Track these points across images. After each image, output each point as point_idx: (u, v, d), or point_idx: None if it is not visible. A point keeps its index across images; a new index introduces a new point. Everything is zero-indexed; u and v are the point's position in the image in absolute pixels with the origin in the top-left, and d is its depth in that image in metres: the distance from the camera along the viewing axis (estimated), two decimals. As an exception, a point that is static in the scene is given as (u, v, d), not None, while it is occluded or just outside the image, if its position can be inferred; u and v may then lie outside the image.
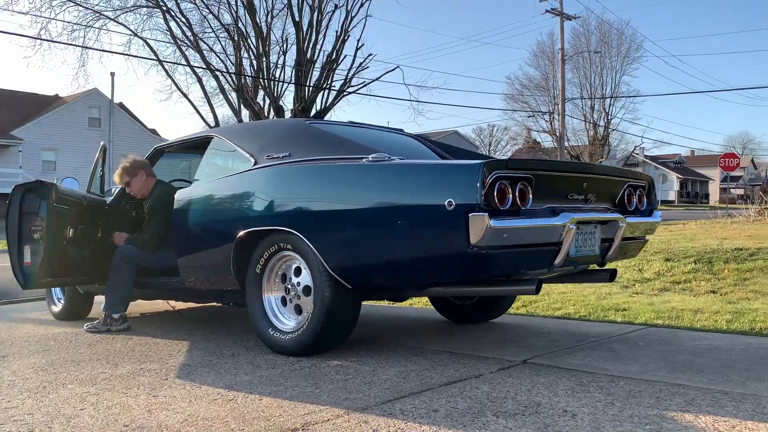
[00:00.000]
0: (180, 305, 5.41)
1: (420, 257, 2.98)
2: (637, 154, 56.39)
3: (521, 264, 3.00)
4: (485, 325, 4.29)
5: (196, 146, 4.70)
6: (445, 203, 2.77)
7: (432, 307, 4.73)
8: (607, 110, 42.69)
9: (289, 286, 3.54)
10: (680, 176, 58.94)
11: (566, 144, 44.24)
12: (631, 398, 2.52)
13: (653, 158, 59.19)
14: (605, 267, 3.64)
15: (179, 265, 4.07)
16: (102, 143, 5.38)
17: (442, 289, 3.21)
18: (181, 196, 4.12)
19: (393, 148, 3.68)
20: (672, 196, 57.57)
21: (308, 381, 2.92)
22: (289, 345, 3.46)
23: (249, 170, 3.78)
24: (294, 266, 3.54)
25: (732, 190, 65.97)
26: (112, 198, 4.84)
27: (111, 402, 2.66)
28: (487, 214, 2.68)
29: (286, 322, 3.56)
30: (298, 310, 3.53)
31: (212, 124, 19.18)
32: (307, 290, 3.46)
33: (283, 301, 3.61)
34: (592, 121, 41.91)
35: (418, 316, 4.91)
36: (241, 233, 3.61)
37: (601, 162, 39.53)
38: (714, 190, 64.18)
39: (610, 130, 42.53)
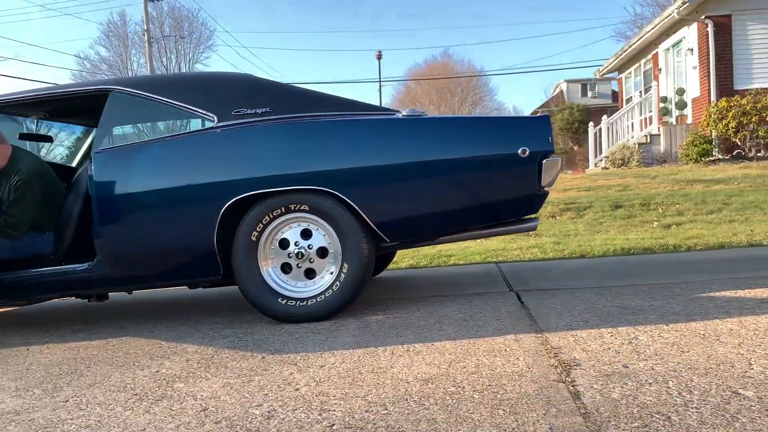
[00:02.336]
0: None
1: (481, 203, 3.25)
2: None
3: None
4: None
5: (60, 102, 3.77)
6: (519, 151, 3.13)
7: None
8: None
9: (298, 251, 3.32)
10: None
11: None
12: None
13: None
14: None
15: (109, 249, 3.33)
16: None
17: (473, 233, 3.48)
18: (105, 164, 3.35)
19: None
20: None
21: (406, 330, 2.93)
22: (311, 311, 3.27)
23: (226, 127, 3.35)
24: (300, 229, 3.33)
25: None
26: None
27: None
28: (559, 159, 3.14)
29: (299, 288, 3.34)
30: (309, 274, 3.35)
31: None
32: (322, 252, 3.32)
33: (285, 268, 3.36)
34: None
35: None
36: (236, 198, 3.22)
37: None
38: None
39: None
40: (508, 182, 3.21)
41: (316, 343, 2.81)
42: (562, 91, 52.70)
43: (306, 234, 3.33)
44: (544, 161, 3.15)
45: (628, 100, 19.97)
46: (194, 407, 2.06)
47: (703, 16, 13.73)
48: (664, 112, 16.21)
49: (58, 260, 3.67)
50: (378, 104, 4.63)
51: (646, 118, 16.74)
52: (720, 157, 12.96)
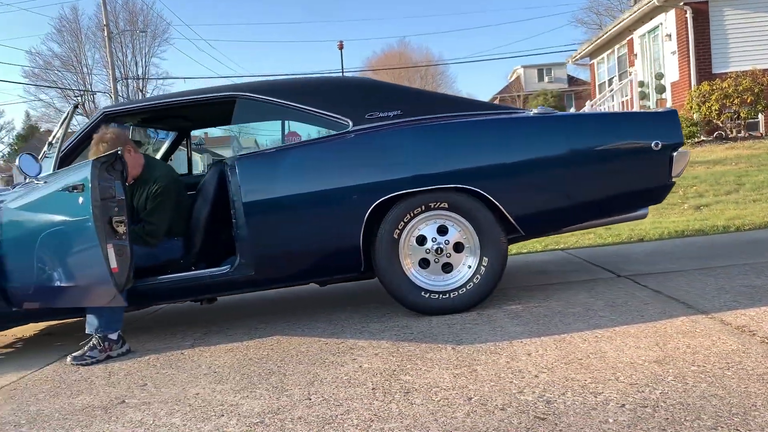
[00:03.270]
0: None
1: (615, 195, 3.46)
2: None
3: None
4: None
5: (186, 109, 3.84)
6: (652, 144, 3.35)
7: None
8: (142, 90, 42.17)
9: (436, 246, 3.46)
10: (203, 157, 62.01)
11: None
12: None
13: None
14: None
15: (255, 252, 3.41)
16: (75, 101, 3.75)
17: (593, 222, 3.68)
18: (250, 169, 3.43)
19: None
20: (197, 176, 60.34)
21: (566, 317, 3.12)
22: (454, 303, 3.44)
23: (363, 131, 3.48)
24: (436, 226, 3.48)
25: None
26: None
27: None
28: (688, 151, 3.37)
29: (438, 282, 3.49)
30: (447, 268, 3.50)
31: None
32: (457, 247, 3.48)
33: (422, 263, 3.51)
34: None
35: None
36: (382, 199, 3.36)
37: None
38: (230, 168, 69.69)
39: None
40: (642, 174, 3.43)
41: (489, 333, 2.99)
42: (519, 77, 53.50)
43: (442, 230, 3.48)
44: (674, 153, 3.37)
45: (601, 85, 20.54)
46: (454, 396, 2.21)
47: (681, 3, 14.23)
48: (642, 96, 16.75)
49: (187, 265, 3.74)
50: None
51: (624, 101, 17.29)
52: (704, 138, 13.51)
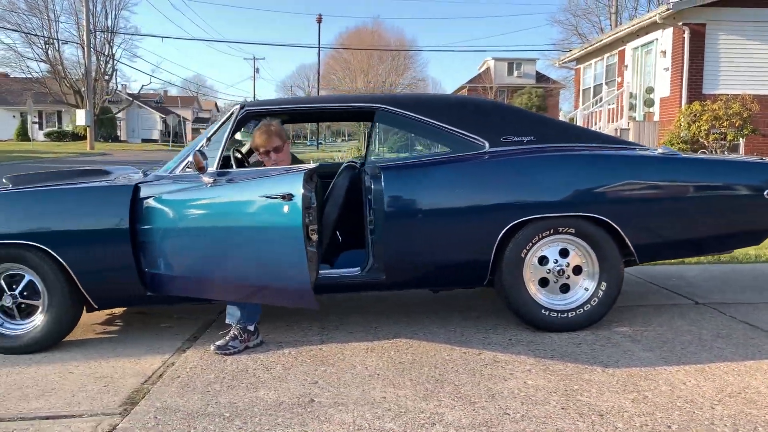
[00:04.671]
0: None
1: (726, 233, 3.79)
2: (120, 91, 55.72)
3: None
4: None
5: (308, 114, 3.97)
6: (765, 194, 3.69)
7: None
8: (110, 43, 41.00)
9: (557, 268, 3.73)
10: (162, 115, 60.58)
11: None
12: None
13: (134, 96, 59.02)
14: None
15: (389, 258, 3.61)
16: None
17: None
18: (394, 180, 3.61)
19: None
20: (156, 135, 58.99)
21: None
22: (570, 322, 3.72)
23: (501, 154, 3.72)
24: (558, 248, 3.75)
25: (202, 130, 71.43)
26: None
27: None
28: (793, 200, 3.73)
29: (556, 301, 3.76)
30: (564, 289, 3.78)
31: None
32: (576, 269, 3.76)
33: (542, 282, 3.77)
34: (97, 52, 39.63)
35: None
36: (517, 221, 3.60)
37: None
38: (189, 129, 68.36)
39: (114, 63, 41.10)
40: (750, 217, 3.77)
41: (623, 357, 3.29)
42: (489, 68, 54.00)
43: (563, 252, 3.75)
44: (782, 200, 3.72)
45: (586, 90, 21.11)
46: (653, 423, 2.49)
47: (680, 23, 14.79)
48: (629, 107, 17.36)
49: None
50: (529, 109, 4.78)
51: (610, 110, 17.88)
52: (691, 156, 14.15)
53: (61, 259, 3.48)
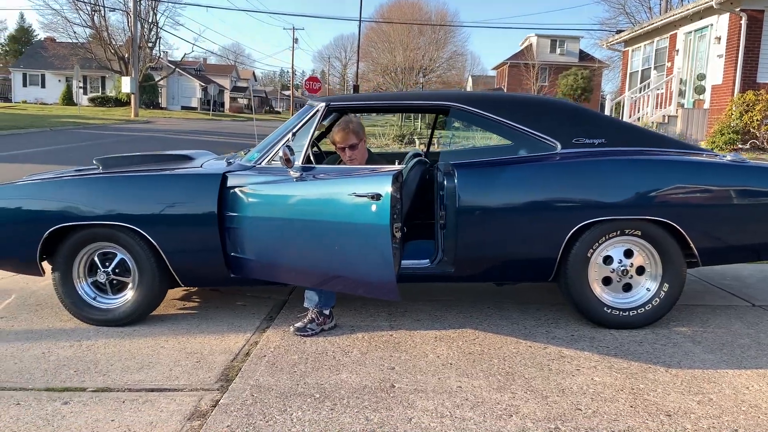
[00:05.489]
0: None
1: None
2: (162, 59, 56.29)
3: None
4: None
5: (386, 110, 4.12)
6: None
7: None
8: (154, 10, 41.45)
9: (621, 268, 3.86)
10: (202, 84, 61.18)
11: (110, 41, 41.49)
12: None
13: (176, 63, 59.60)
14: None
15: (460, 253, 3.77)
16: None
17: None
18: (469, 178, 3.77)
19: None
20: (194, 102, 59.64)
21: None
22: (631, 320, 3.86)
23: (573, 155, 3.84)
24: (623, 249, 3.87)
25: (239, 100, 72.15)
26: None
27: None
28: None
29: (618, 300, 3.90)
30: (626, 288, 3.91)
31: None
32: (639, 270, 3.88)
33: (605, 281, 3.91)
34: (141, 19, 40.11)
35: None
36: (586, 222, 3.72)
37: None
38: (227, 98, 68.98)
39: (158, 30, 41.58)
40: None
41: (685, 358, 3.42)
42: (531, 45, 53.25)
43: (627, 253, 3.88)
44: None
45: (633, 73, 20.81)
46: (720, 425, 2.64)
47: (738, 8, 14.49)
48: (678, 93, 17.11)
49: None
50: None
51: (658, 95, 17.64)
52: (741, 146, 13.98)
53: (153, 240, 3.72)
